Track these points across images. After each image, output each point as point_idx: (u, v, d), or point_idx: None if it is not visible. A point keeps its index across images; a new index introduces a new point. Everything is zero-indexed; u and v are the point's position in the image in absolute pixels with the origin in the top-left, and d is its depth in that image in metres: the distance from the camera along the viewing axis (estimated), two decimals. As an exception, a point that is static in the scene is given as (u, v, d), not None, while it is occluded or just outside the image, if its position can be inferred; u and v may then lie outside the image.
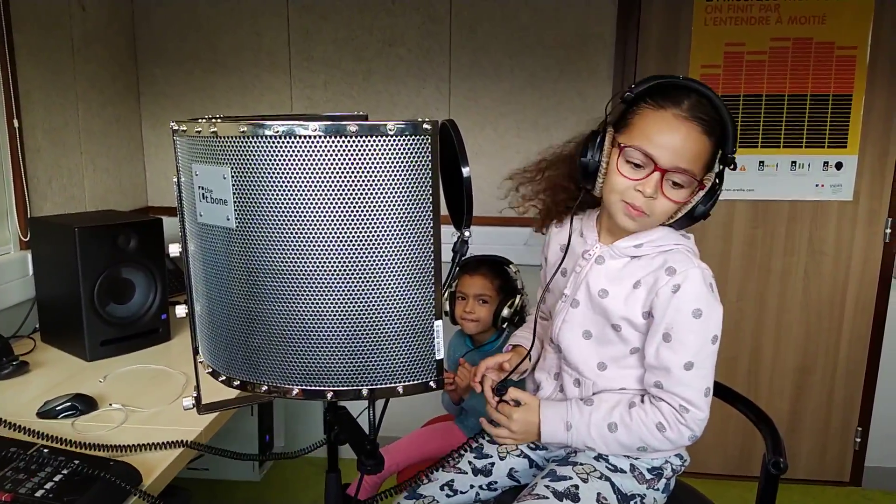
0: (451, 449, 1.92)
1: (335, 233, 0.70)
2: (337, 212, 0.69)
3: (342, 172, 0.69)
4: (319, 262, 0.71)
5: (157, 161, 2.71)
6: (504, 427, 1.31)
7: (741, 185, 2.53)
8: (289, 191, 0.69)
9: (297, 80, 2.59)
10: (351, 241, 0.70)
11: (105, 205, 2.42)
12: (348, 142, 0.68)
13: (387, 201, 0.70)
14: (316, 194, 0.69)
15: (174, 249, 0.82)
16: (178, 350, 1.86)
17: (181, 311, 0.84)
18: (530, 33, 2.47)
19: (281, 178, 0.69)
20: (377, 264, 0.71)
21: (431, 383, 0.76)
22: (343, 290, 0.71)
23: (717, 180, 1.21)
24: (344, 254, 0.70)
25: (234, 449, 2.23)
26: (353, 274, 0.71)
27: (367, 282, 0.71)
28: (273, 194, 0.70)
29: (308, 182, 0.69)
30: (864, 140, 2.45)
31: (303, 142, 0.68)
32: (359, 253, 0.71)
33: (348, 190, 0.69)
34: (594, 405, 1.28)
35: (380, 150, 0.69)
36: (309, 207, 0.69)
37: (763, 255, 2.59)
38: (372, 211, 0.70)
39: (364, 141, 0.68)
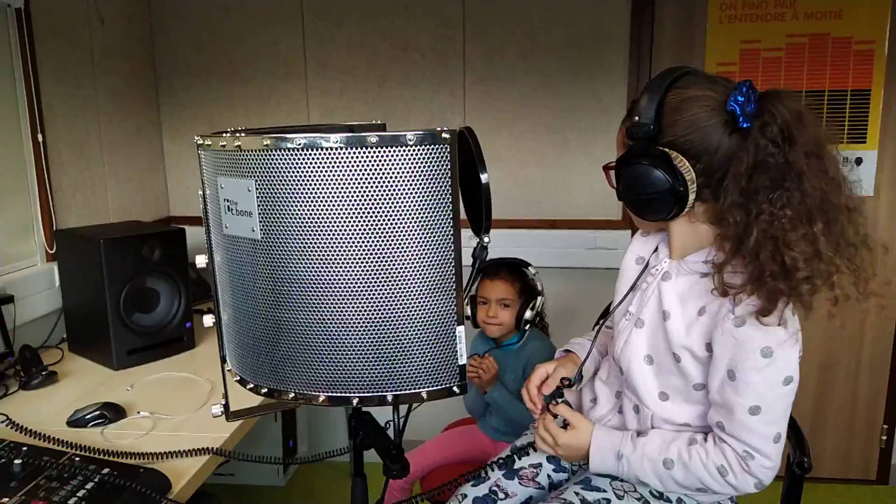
0: (472, 453, 1.93)
1: (358, 242, 0.71)
2: (359, 221, 0.71)
3: (364, 183, 0.70)
4: (343, 270, 0.72)
5: (177, 171, 2.75)
6: (549, 447, 1.23)
7: (760, 182, 2.51)
8: (312, 202, 0.71)
9: (312, 88, 2.62)
10: (375, 250, 0.72)
11: (128, 216, 2.46)
12: (369, 153, 0.70)
13: (408, 210, 0.71)
14: (339, 204, 0.71)
15: (201, 260, 0.84)
16: (202, 358, 1.89)
17: (209, 320, 0.86)
18: (543, 34, 2.47)
19: (304, 189, 0.71)
20: (400, 271, 0.73)
21: (455, 388, 0.77)
22: (367, 296, 0.73)
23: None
24: (368, 263, 0.72)
25: (259, 454, 2.25)
26: (376, 282, 0.73)
27: (391, 287, 0.73)
28: (297, 205, 0.71)
29: (331, 193, 0.70)
30: (884, 135, 2.43)
31: (325, 154, 0.70)
32: (382, 261, 0.72)
33: (370, 199, 0.70)
34: (648, 437, 1.18)
35: (400, 159, 0.70)
36: (332, 217, 0.71)
37: (783, 253, 2.57)
38: (393, 220, 0.71)
39: (385, 151, 0.70)
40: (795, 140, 1.02)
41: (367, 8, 2.52)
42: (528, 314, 1.85)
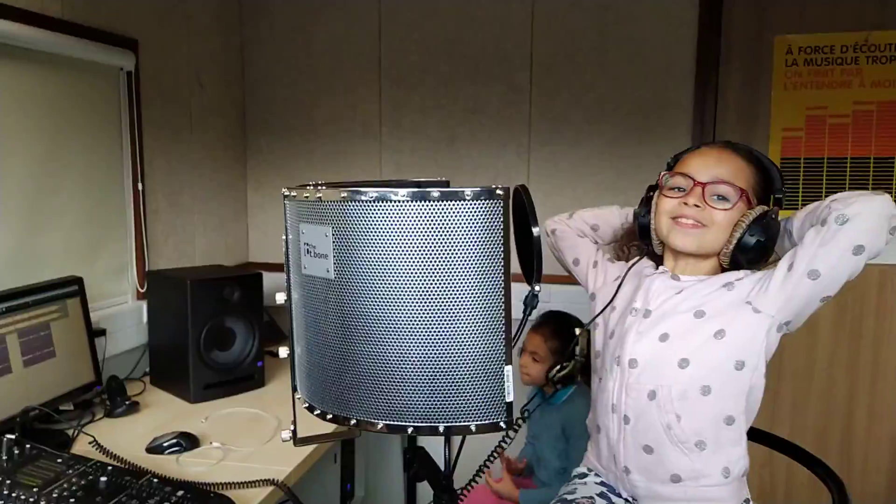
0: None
1: (419, 283, 0.80)
2: (421, 265, 0.80)
3: (426, 231, 0.79)
4: (404, 309, 0.81)
5: (258, 221, 2.94)
6: None
7: (827, 247, 2.48)
8: (380, 246, 0.80)
9: (386, 147, 2.78)
10: (432, 291, 0.80)
11: (212, 260, 2.64)
12: (431, 205, 0.79)
13: (464, 256, 0.80)
14: (403, 250, 0.80)
15: (280, 298, 0.95)
16: (271, 396, 1.99)
17: (283, 352, 0.96)
18: (608, 101, 2.56)
19: (374, 235, 0.81)
20: (455, 313, 0.81)
21: (502, 423, 0.84)
22: (424, 335, 0.81)
23: (771, 214, 1.27)
24: (426, 302, 0.80)
25: (317, 494, 2.32)
26: (432, 323, 0.81)
27: (445, 328, 0.81)
28: (367, 250, 0.81)
29: (397, 239, 0.80)
30: (959, 202, 2.37)
31: (393, 206, 0.80)
32: (438, 302, 0.80)
33: (431, 246, 0.80)
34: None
35: (458, 212, 0.79)
36: (397, 261, 0.80)
37: (854, 320, 2.51)
38: (451, 264, 0.80)
39: (445, 205, 0.79)
40: None
41: (440, 74, 2.68)
42: (554, 373, 1.79)
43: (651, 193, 1.38)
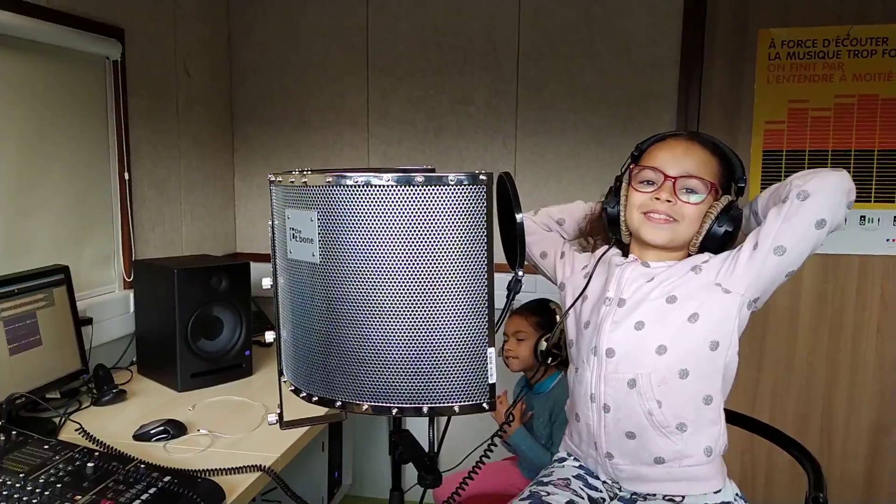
0: (505, 487, 1.96)
1: (403, 267, 0.82)
2: (406, 249, 0.82)
3: (410, 215, 0.81)
4: (389, 292, 0.82)
5: (246, 210, 2.94)
6: None
7: (809, 238, 2.51)
8: (365, 230, 0.82)
9: (373, 137, 2.78)
10: (417, 275, 0.82)
11: (199, 250, 2.64)
12: (416, 190, 0.81)
13: (448, 240, 0.81)
14: (388, 234, 0.81)
15: (266, 283, 0.96)
16: (259, 384, 2.00)
17: (270, 336, 0.97)
18: (594, 91, 2.58)
19: (359, 219, 0.82)
20: (439, 294, 0.82)
21: (484, 404, 0.85)
22: (407, 318, 0.82)
23: (736, 204, 1.32)
24: (411, 285, 0.82)
25: (305, 482, 2.33)
26: (416, 306, 0.82)
27: (429, 311, 0.82)
28: (351, 234, 0.82)
29: (382, 223, 0.81)
30: (939, 194, 2.42)
31: (378, 190, 0.81)
32: (423, 286, 0.82)
33: (415, 230, 0.81)
34: None
35: (442, 197, 0.81)
36: (382, 245, 0.82)
37: (834, 311, 2.55)
38: (435, 248, 0.81)
39: (429, 190, 0.81)
40: None
41: (427, 65, 2.69)
42: (542, 345, 1.86)
43: (619, 183, 1.41)
